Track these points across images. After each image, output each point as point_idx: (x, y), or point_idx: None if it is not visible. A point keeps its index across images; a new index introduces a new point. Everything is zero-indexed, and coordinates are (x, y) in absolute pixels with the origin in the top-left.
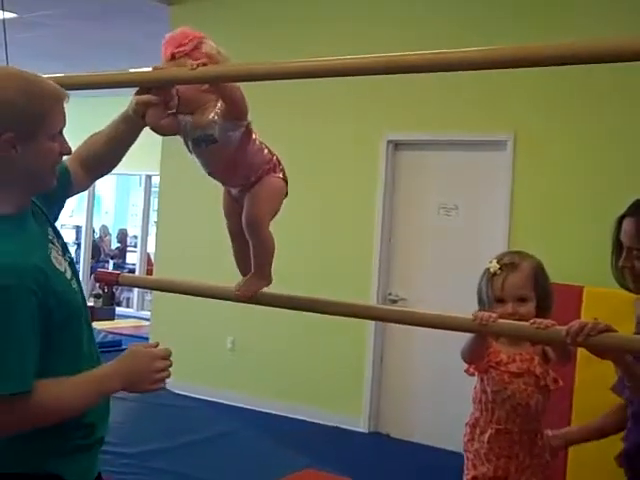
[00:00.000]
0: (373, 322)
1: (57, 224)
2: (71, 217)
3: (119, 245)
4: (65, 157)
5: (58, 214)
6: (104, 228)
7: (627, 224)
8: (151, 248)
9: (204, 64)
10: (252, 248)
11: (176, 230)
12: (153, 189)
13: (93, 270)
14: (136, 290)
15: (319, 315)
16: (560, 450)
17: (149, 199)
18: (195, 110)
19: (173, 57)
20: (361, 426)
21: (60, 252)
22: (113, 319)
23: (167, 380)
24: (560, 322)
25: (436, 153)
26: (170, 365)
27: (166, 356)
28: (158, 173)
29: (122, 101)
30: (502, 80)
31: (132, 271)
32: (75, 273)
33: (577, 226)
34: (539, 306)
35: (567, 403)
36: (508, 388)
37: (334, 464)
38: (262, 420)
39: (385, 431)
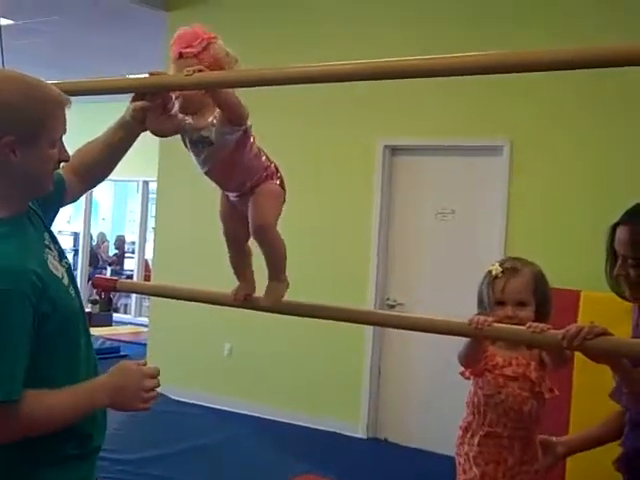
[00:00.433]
0: (371, 327)
1: (54, 230)
2: (69, 223)
3: (117, 252)
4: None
5: (53, 220)
6: (102, 235)
7: (621, 232)
8: (149, 254)
9: (200, 70)
10: (265, 255)
11: (174, 236)
12: (151, 195)
13: (91, 277)
14: (134, 296)
15: (317, 321)
16: (565, 457)
17: (147, 205)
18: (196, 111)
19: (181, 56)
20: (359, 432)
21: (57, 257)
22: (110, 325)
23: (158, 390)
24: (557, 326)
25: (433, 158)
26: (158, 385)
27: (155, 375)
28: (155, 179)
29: (118, 107)
30: (499, 85)
31: (130, 277)
32: (72, 279)
33: (574, 230)
34: (538, 312)
35: (565, 409)
36: (502, 391)
37: (333, 470)
38: (260, 426)
39: (383, 436)
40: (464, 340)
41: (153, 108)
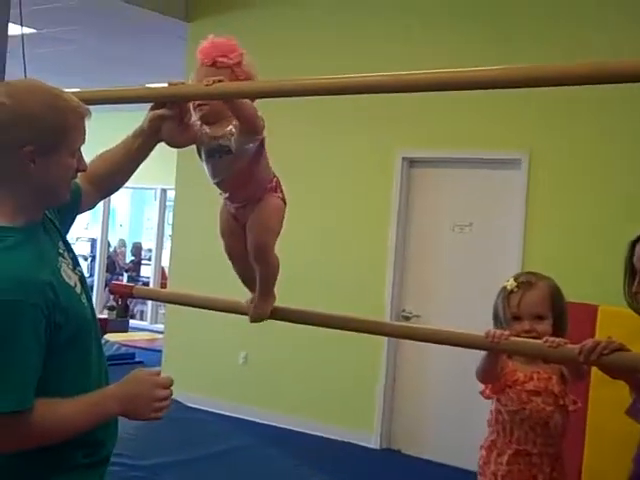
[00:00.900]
0: (386, 338)
1: (72, 236)
2: (86, 229)
3: (133, 258)
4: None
5: (69, 228)
6: (121, 242)
7: None
8: (165, 262)
9: (220, 81)
10: (258, 272)
11: (190, 244)
12: (168, 203)
13: (108, 283)
14: (150, 303)
15: (332, 331)
16: None
17: (164, 213)
18: (216, 122)
19: (214, 64)
20: (373, 442)
21: (70, 266)
22: (126, 331)
23: (173, 397)
24: (574, 341)
25: (451, 170)
26: (171, 395)
27: (167, 385)
28: (173, 187)
29: (136, 116)
30: (518, 98)
31: (146, 284)
32: (85, 287)
33: (592, 244)
34: (555, 325)
35: (580, 424)
36: (527, 407)
37: None
38: (274, 435)
39: (397, 447)
40: (481, 353)
41: (170, 118)
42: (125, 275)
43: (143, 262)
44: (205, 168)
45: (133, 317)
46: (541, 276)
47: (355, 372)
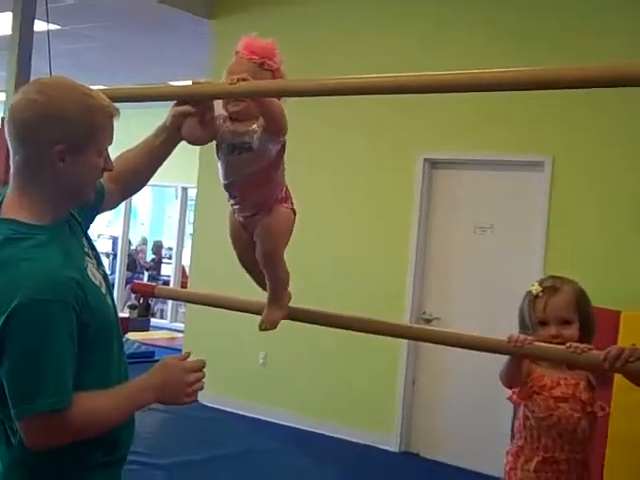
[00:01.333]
0: (406, 340)
1: (94, 233)
2: (108, 227)
3: (154, 257)
4: None
5: (89, 227)
6: (143, 239)
7: None
8: (186, 260)
9: (244, 79)
10: (268, 279)
11: (211, 243)
12: (189, 201)
13: (129, 281)
14: (170, 302)
15: (352, 332)
16: None
17: (185, 211)
18: (245, 119)
19: (262, 65)
20: (392, 445)
21: (95, 265)
22: (148, 330)
23: (199, 392)
24: (597, 346)
25: (473, 172)
26: (203, 377)
27: (198, 368)
28: (194, 185)
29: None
30: (541, 100)
31: (167, 283)
32: (109, 288)
33: (614, 249)
34: (582, 330)
35: (602, 430)
36: (554, 414)
37: None
38: (293, 436)
39: (416, 451)
40: (500, 357)
41: (193, 114)
42: (145, 274)
43: (164, 261)
44: (219, 167)
45: (153, 316)
46: (566, 280)
47: (375, 374)
